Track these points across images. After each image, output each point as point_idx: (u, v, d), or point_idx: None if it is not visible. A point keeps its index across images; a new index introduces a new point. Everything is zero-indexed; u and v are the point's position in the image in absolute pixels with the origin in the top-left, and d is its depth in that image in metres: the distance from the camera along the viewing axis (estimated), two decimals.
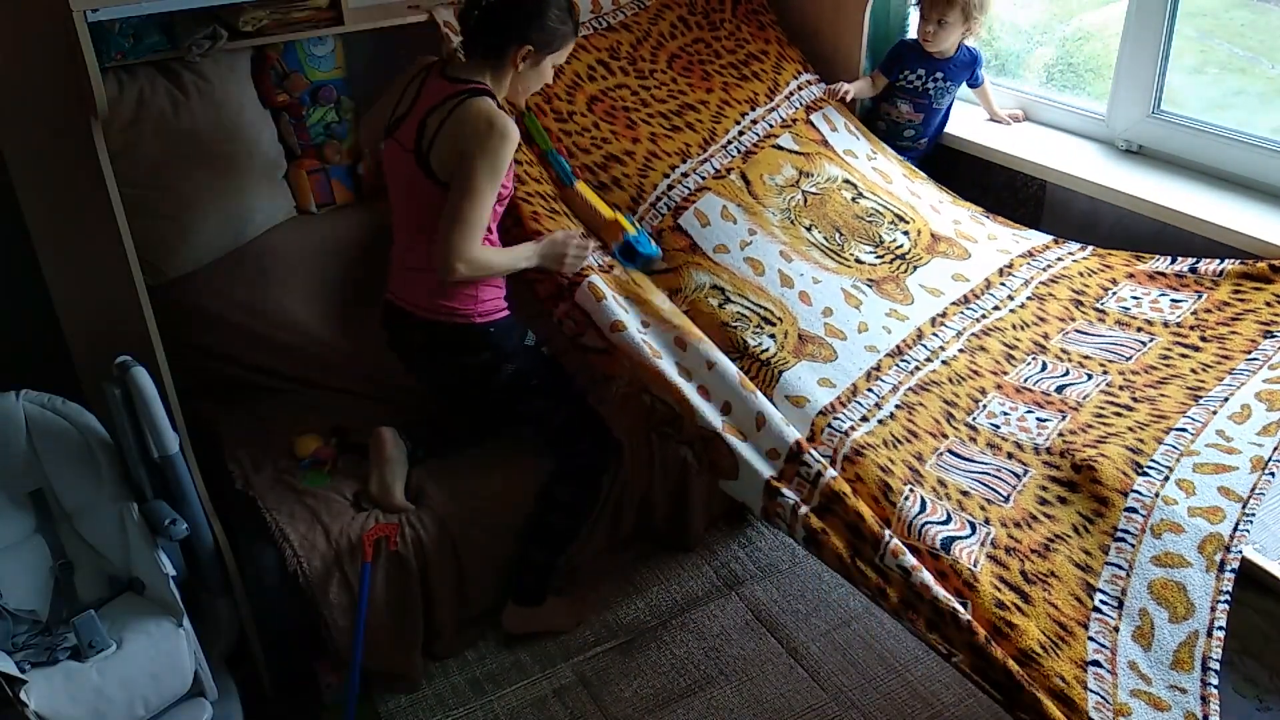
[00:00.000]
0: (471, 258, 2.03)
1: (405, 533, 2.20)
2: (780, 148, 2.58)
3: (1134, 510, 1.76)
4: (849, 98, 2.76)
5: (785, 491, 1.81)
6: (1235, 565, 1.68)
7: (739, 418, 1.93)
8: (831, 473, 1.81)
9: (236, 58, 2.45)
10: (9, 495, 1.98)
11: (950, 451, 1.95)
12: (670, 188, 2.43)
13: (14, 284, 2.38)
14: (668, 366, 2.00)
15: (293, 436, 2.39)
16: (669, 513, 2.62)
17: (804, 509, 1.78)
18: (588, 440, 2.32)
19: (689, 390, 1.96)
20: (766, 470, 1.85)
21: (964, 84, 2.87)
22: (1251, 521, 1.73)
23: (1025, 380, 2.13)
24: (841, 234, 2.40)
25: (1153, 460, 1.85)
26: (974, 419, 2.03)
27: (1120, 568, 1.69)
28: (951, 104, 2.88)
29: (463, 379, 2.27)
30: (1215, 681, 1.55)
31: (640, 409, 2.06)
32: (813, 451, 1.85)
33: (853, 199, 2.50)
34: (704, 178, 2.46)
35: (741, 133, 2.59)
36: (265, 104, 2.53)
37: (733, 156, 2.53)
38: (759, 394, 1.95)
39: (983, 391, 2.10)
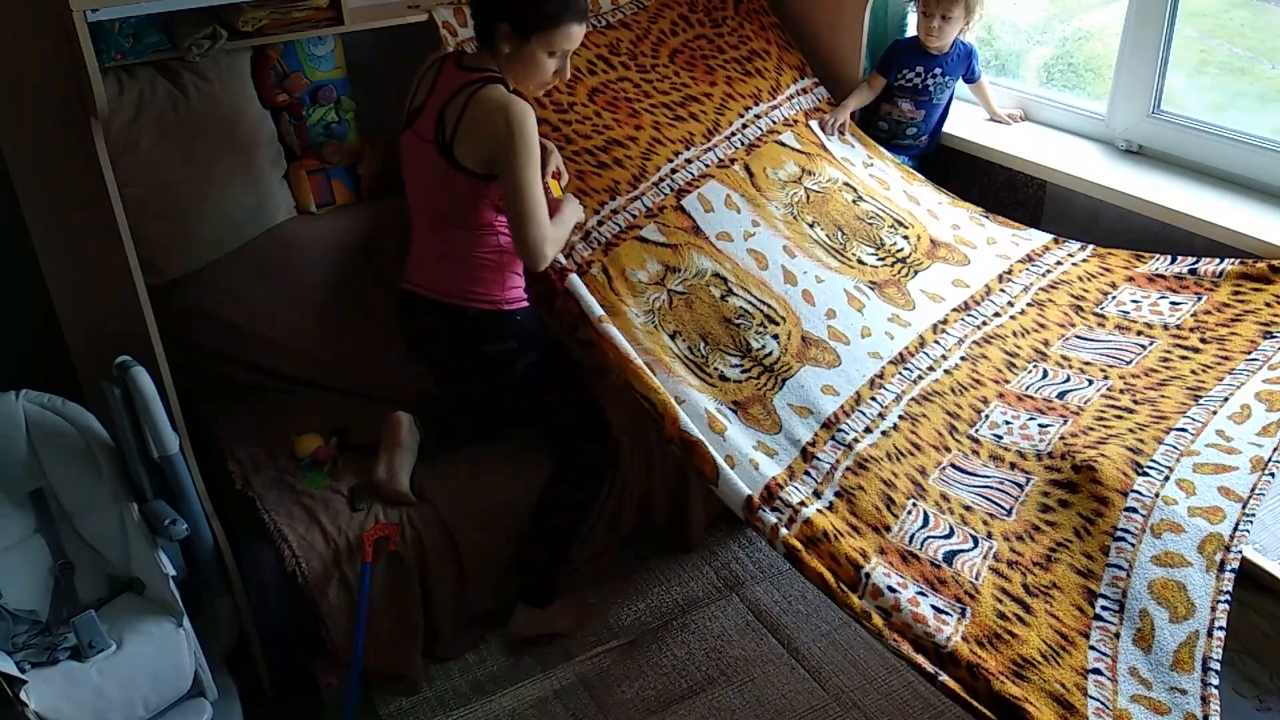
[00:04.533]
0: (552, 239, 2.07)
1: (405, 533, 2.20)
2: (783, 144, 2.58)
3: (1134, 510, 1.76)
4: (845, 125, 2.75)
5: (765, 511, 1.80)
6: (1235, 565, 1.68)
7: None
8: (809, 510, 1.79)
9: (236, 58, 2.44)
10: (9, 495, 1.98)
11: (953, 466, 1.95)
12: (674, 171, 2.41)
13: (14, 284, 2.38)
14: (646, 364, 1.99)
15: (293, 436, 2.38)
16: (669, 513, 2.62)
17: (784, 530, 1.76)
18: (591, 440, 2.32)
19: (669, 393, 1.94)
20: (745, 490, 1.83)
21: (961, 79, 2.87)
22: (1251, 521, 1.73)
23: (1027, 388, 2.13)
24: (844, 233, 2.39)
25: (1153, 460, 1.85)
26: (977, 431, 2.03)
27: (1120, 568, 1.69)
28: (951, 99, 2.88)
29: (481, 366, 2.26)
30: (1215, 682, 1.55)
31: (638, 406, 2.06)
32: (763, 512, 1.81)
33: (853, 200, 2.49)
34: (707, 165, 2.45)
35: (745, 125, 2.59)
36: (265, 104, 2.53)
37: (736, 148, 2.51)
38: (727, 434, 1.92)
39: (985, 401, 2.09)
